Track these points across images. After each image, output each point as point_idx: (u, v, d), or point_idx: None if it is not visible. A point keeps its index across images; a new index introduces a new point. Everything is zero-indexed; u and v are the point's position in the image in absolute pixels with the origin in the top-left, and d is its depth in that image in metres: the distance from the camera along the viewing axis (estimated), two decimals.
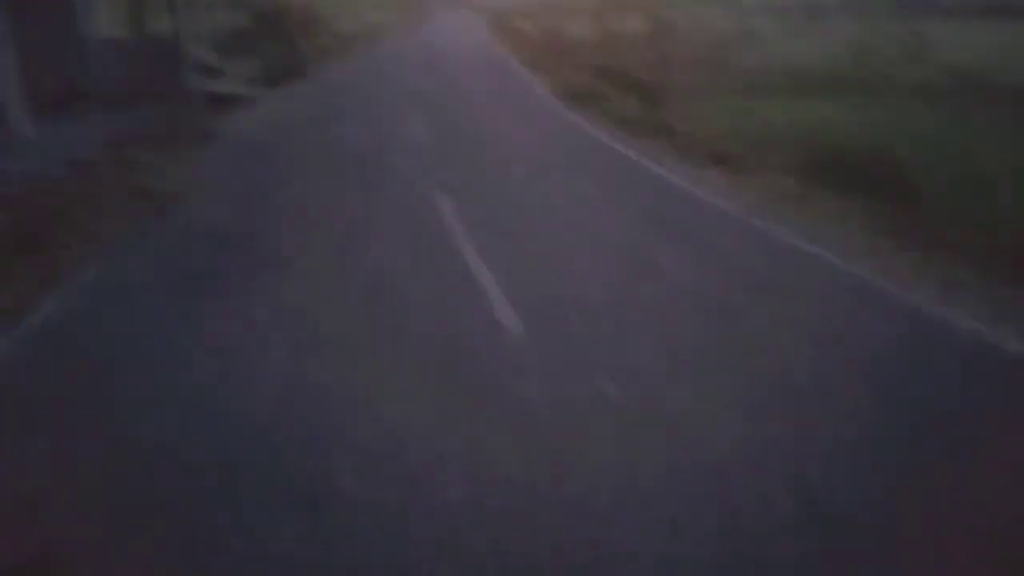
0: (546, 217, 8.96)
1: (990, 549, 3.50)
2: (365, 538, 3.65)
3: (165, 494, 4.00)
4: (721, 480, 4.01)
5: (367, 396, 4.87)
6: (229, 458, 4.27)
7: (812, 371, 5.09)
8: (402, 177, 11.03)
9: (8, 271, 7.17)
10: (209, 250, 8.03)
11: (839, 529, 3.65)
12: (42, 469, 4.21)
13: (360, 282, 6.94)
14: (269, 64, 24.16)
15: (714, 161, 11.42)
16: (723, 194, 9.68)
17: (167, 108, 16.86)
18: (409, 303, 6.37)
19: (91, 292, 6.92)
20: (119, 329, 6.00)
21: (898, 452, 4.23)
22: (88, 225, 8.63)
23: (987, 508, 3.74)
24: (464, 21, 68.02)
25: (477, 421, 4.55)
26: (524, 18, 58.85)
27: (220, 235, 8.58)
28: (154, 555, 3.58)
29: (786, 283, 6.72)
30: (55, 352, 5.73)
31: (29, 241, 7.93)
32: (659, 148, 12.58)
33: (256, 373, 5.19)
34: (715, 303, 6.25)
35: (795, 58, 43.90)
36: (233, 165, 12.46)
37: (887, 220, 8.46)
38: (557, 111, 16.68)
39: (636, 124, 14.26)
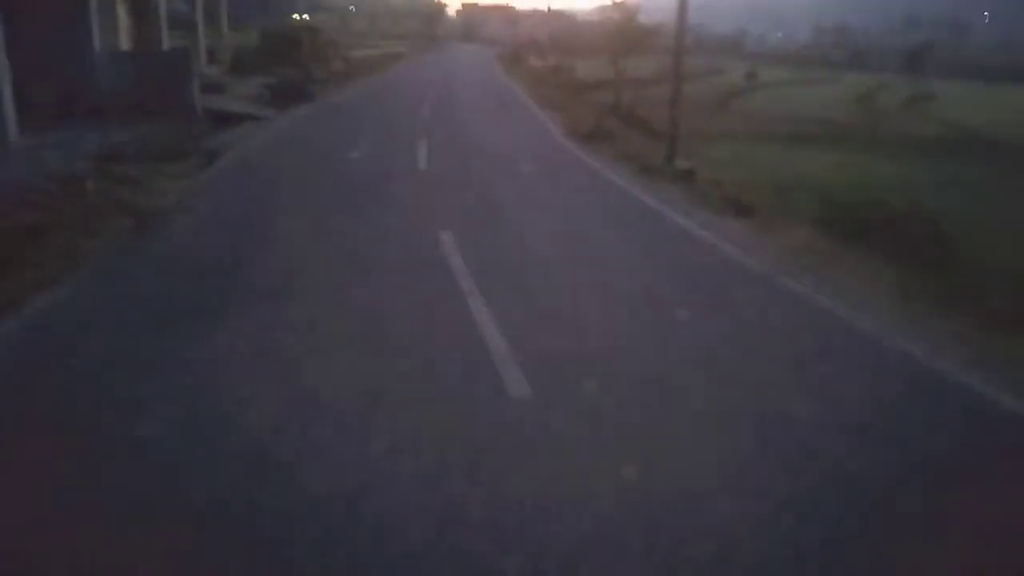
0: (557, 265, 8.24)
1: None
2: None
3: None
4: None
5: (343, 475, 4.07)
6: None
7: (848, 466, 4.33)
8: (404, 210, 10.35)
9: None
10: (187, 277, 7.28)
11: None
12: None
13: (348, 324, 6.18)
14: (278, 85, 23.64)
15: (734, 210, 10.75)
16: (747, 248, 8.98)
17: (168, 124, 16.22)
18: (404, 352, 5.61)
19: (48, 320, 6.16)
20: (63, 370, 5.22)
21: None
22: (63, 243, 7.89)
23: None
24: (475, 54, 67.99)
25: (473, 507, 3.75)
26: (535, 54, 58.89)
27: (201, 260, 7.84)
28: None
29: (825, 356, 5.97)
30: None
31: None
32: (678, 194, 11.93)
33: (215, 444, 4.34)
34: (743, 373, 5.50)
35: (805, 106, 43.83)
36: (226, 185, 11.76)
37: (917, 280, 7.81)
38: (570, 151, 16.07)
39: (652, 168, 13.64)
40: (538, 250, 8.68)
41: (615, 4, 31.14)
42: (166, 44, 25.54)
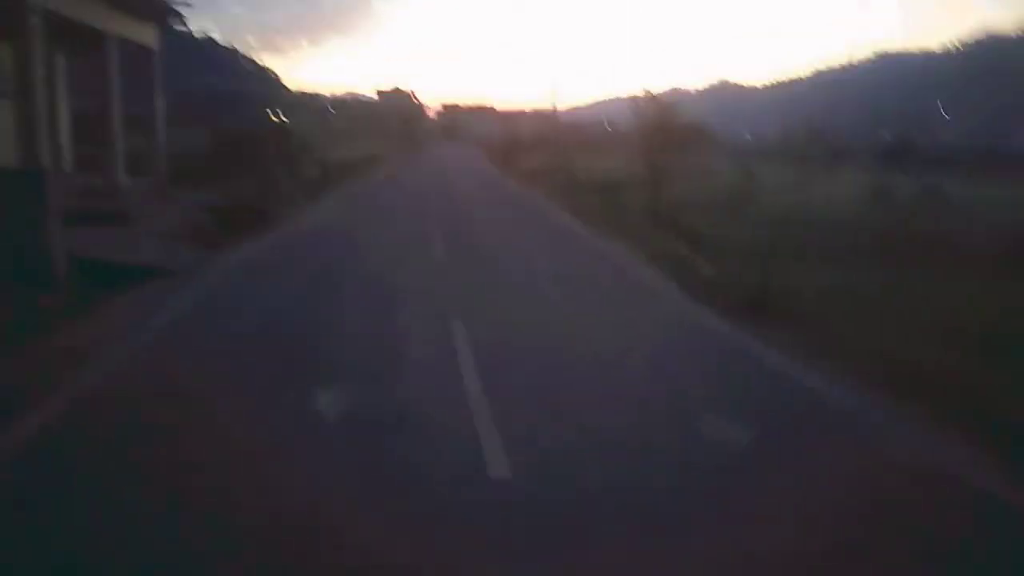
0: None
1: None
2: None
3: None
4: None
5: None
6: None
7: None
8: None
9: None
10: None
11: None
12: None
13: None
14: (224, 206, 15.64)
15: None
16: None
17: None
18: None
19: None
20: None
21: None
22: None
23: None
24: (462, 154, 60.97)
25: None
26: (524, 154, 51.85)
27: None
28: None
29: None
30: None
31: None
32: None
33: None
34: None
35: (825, 210, 35.60)
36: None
37: None
38: (760, 355, 7.65)
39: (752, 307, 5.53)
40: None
41: (647, 99, 24.07)
42: (69, 154, 17.63)
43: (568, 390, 6.36)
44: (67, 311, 8.56)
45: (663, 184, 23.16)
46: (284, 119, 48.79)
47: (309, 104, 73.98)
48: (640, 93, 25.34)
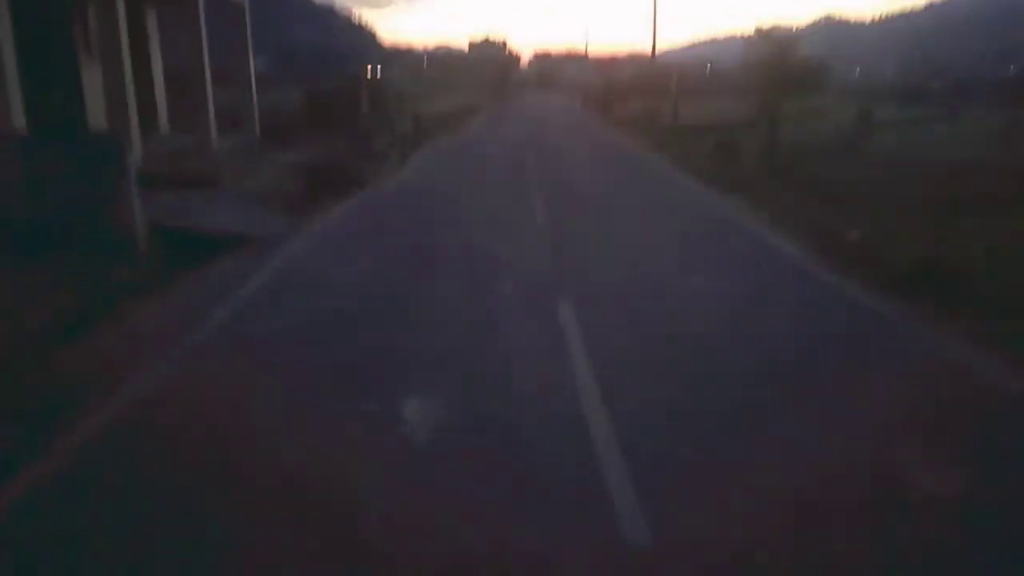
0: None
1: None
2: None
3: None
4: None
5: None
6: None
7: None
8: None
9: None
10: None
11: None
12: None
13: None
14: (313, 165, 14.80)
15: None
16: None
17: (69, 268, 7.62)
18: None
19: None
20: None
21: None
22: None
23: None
24: (556, 102, 58.77)
25: None
26: (621, 100, 49.44)
27: None
28: None
29: None
30: None
31: None
32: None
33: None
34: None
35: (949, 151, 32.00)
36: None
37: None
38: None
39: None
40: None
41: (762, 34, 21.75)
42: (163, 113, 17.16)
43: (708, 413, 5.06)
44: (143, 285, 7.83)
45: (778, 128, 21.00)
46: (378, 74, 48.09)
47: (403, 58, 73.15)
48: (747, 32, 23.01)
